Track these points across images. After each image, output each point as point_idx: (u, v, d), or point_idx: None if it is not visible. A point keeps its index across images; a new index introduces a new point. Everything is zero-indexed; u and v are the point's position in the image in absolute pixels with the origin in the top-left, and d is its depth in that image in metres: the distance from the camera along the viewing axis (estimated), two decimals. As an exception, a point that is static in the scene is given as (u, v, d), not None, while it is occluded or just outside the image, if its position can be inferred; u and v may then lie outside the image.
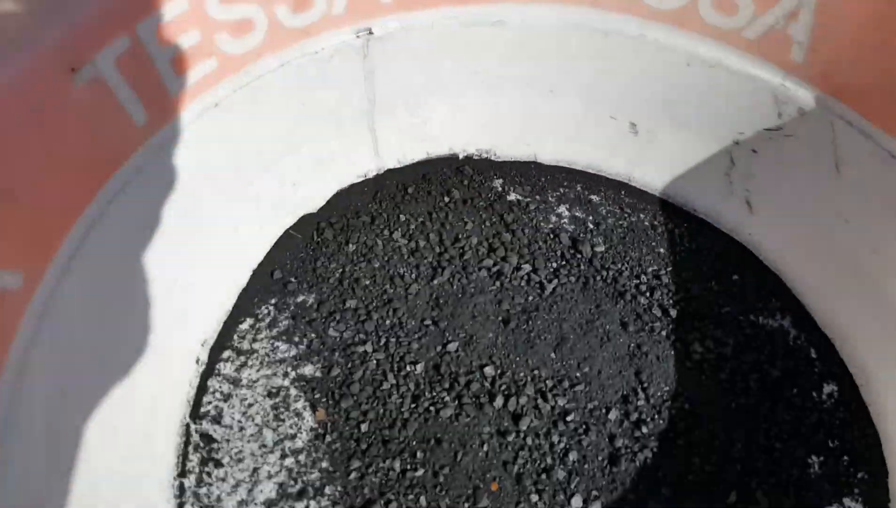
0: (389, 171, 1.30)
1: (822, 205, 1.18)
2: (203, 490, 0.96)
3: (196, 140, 0.99)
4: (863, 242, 1.14)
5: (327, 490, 0.98)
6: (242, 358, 1.08)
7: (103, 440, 0.85)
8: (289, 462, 0.99)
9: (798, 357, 1.17)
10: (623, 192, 1.34)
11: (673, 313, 1.18)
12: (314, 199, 1.22)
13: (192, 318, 1.04)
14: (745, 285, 1.24)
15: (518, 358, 1.10)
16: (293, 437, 1.01)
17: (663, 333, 1.16)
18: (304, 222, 1.22)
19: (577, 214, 1.29)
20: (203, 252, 1.05)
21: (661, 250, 1.26)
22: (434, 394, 1.06)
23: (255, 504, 0.96)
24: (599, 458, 1.02)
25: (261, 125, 1.10)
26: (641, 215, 1.31)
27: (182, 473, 0.97)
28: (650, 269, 1.23)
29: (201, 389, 1.04)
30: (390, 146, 1.27)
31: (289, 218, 1.19)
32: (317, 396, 1.05)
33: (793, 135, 1.18)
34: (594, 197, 1.33)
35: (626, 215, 1.30)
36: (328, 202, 1.24)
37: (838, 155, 1.14)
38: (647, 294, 1.20)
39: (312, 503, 0.97)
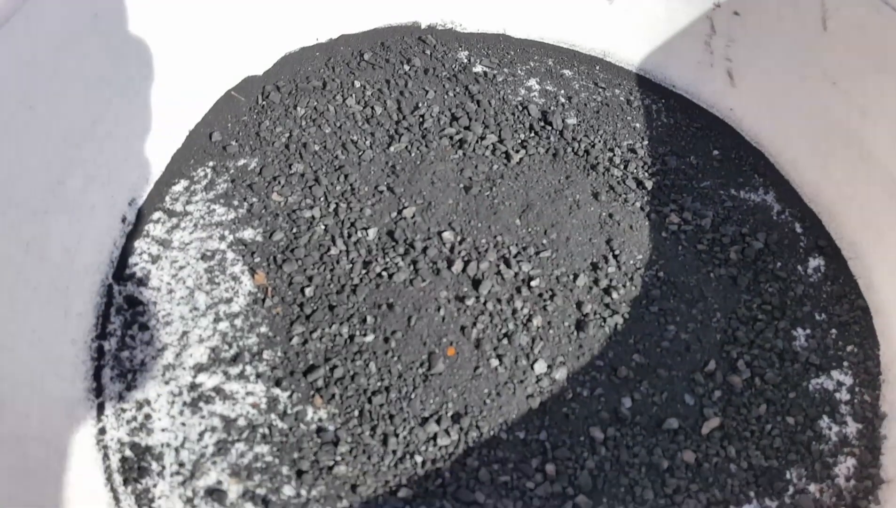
0: (344, 36, 1.19)
1: (807, 68, 1.09)
2: (125, 354, 0.86)
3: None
4: (851, 104, 1.06)
5: (266, 354, 0.88)
6: (175, 220, 0.97)
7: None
8: (223, 326, 0.90)
9: (782, 231, 1.09)
10: (598, 67, 1.25)
11: (648, 185, 1.09)
12: (260, 61, 1.11)
13: (117, 173, 0.93)
14: (725, 160, 1.15)
15: (480, 224, 1.01)
16: (229, 301, 0.92)
17: (637, 204, 1.07)
18: (248, 83, 1.11)
19: (548, 87, 1.20)
20: (130, 101, 0.94)
21: (637, 125, 1.17)
22: (387, 260, 0.96)
23: (184, 368, 0.86)
24: (566, 324, 0.93)
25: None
26: (617, 91, 1.21)
27: (102, 335, 0.87)
28: (625, 143, 1.14)
29: (127, 250, 0.94)
30: (345, 9, 1.17)
31: (231, 78, 1.09)
32: (257, 260, 0.95)
33: (778, -10, 1.09)
34: (567, 71, 1.23)
35: (600, 90, 1.21)
36: (275, 65, 1.14)
37: (825, 8, 1.04)
38: (622, 167, 1.11)
39: (249, 367, 0.87)
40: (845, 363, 0.98)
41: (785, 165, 1.14)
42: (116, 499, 0.76)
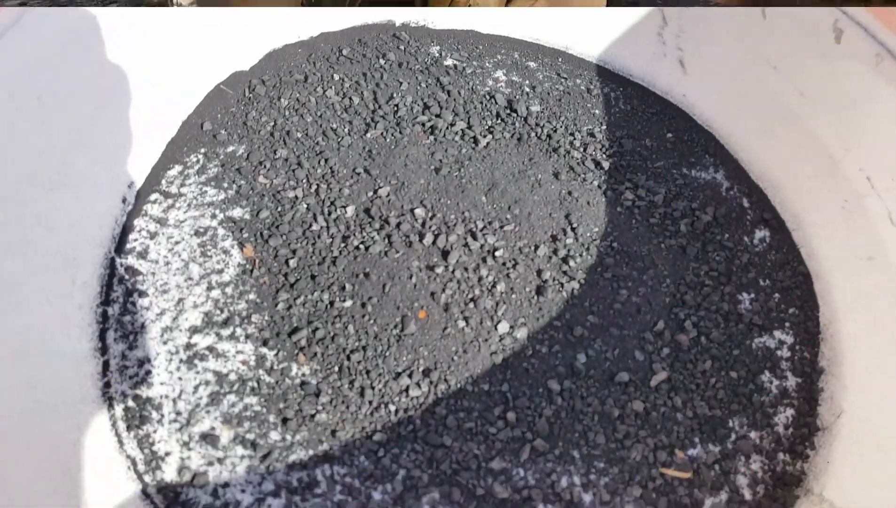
0: (324, 34, 1.29)
1: (750, 54, 1.19)
2: (127, 318, 0.95)
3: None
4: (791, 86, 1.15)
5: (254, 318, 0.97)
6: (170, 201, 1.07)
7: (12, 250, 0.84)
8: (215, 293, 0.99)
9: (731, 206, 1.18)
10: (560, 59, 1.34)
11: (606, 165, 1.19)
12: (247, 57, 1.21)
13: (117, 158, 1.03)
14: (678, 141, 1.25)
15: (449, 201, 1.10)
16: (220, 272, 1.01)
17: (595, 183, 1.16)
18: (236, 78, 1.21)
19: (513, 78, 1.29)
20: (128, 95, 1.04)
21: (597, 112, 1.27)
22: (364, 234, 1.05)
23: (180, 330, 0.95)
24: (527, 289, 1.02)
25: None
26: (578, 80, 1.31)
27: (106, 302, 0.96)
28: (585, 128, 1.24)
29: (128, 227, 1.03)
30: (324, 9, 1.27)
31: (220, 73, 1.18)
32: (245, 235, 1.04)
33: (722, -16, 1.19)
34: (531, 63, 1.33)
35: (562, 80, 1.31)
36: (261, 61, 1.23)
37: None
38: (581, 149, 1.20)
39: (239, 329, 0.96)
40: (787, 324, 1.07)
41: (734, 145, 1.24)
42: (120, 442, 0.85)
